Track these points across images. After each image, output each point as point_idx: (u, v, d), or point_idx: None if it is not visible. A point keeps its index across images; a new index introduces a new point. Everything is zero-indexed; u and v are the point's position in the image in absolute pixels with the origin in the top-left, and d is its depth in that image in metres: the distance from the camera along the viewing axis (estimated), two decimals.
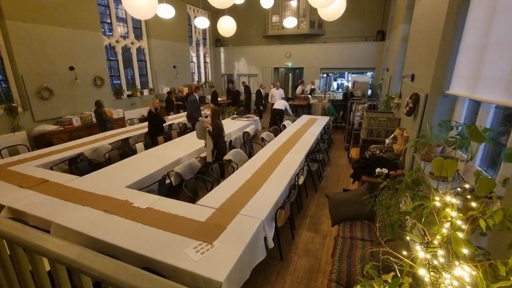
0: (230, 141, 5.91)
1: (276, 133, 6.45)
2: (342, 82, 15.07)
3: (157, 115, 5.91)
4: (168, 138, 5.97)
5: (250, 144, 6.30)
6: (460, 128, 1.42)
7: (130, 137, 5.89)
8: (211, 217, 2.66)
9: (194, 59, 13.07)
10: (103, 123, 6.46)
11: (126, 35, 9.17)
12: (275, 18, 12.70)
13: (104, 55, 8.05)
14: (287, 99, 9.85)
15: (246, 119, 7.63)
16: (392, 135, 4.44)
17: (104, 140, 5.52)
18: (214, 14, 13.10)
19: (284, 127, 6.96)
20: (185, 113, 7.40)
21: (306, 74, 12.82)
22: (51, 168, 4.18)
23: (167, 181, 3.99)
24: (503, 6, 2.06)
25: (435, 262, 1.02)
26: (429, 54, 3.30)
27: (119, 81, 9.07)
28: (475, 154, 1.49)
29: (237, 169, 4.01)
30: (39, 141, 6.17)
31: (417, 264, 1.01)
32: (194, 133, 5.26)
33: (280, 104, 8.38)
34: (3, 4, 5.63)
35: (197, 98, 6.94)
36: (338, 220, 3.21)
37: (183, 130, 7.06)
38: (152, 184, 3.68)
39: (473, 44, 2.52)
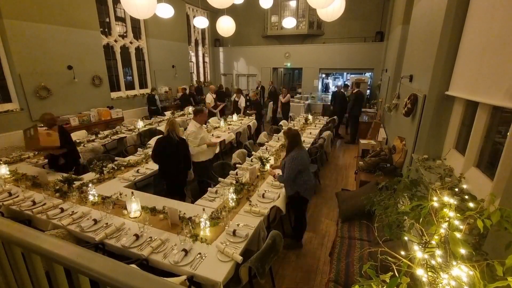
0: (239, 133, 6.46)
1: (276, 133, 6.45)
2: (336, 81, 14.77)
3: None
4: None
5: (253, 142, 6.33)
6: None
7: (125, 136, 5.87)
8: (210, 217, 2.66)
9: (193, 59, 13.05)
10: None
11: (125, 34, 9.15)
12: (274, 18, 12.70)
13: (102, 54, 8.02)
14: None
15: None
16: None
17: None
18: (213, 14, 13.09)
19: (281, 127, 6.95)
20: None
21: (304, 75, 12.84)
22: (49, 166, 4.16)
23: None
24: (502, 7, 2.07)
25: (433, 262, 1.02)
26: (427, 55, 3.31)
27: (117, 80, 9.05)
28: None
29: (236, 169, 4.00)
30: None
31: (415, 264, 1.01)
32: None
33: None
34: (0, 3, 5.60)
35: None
36: (346, 214, 3.25)
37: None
38: (148, 177, 3.76)
39: (472, 45, 2.53)
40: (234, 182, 3.37)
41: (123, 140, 5.78)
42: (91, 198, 2.98)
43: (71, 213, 2.72)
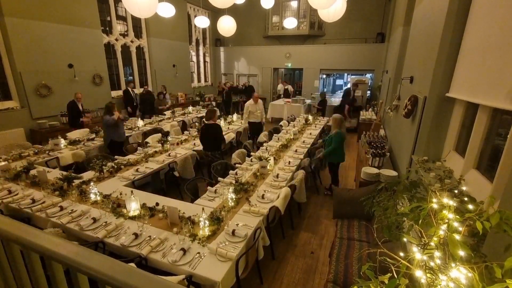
0: (240, 132, 6.56)
1: (276, 132, 6.44)
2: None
3: None
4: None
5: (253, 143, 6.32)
6: None
7: (130, 135, 5.88)
8: (210, 216, 2.66)
9: (194, 59, 13.05)
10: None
11: (126, 33, 9.15)
12: (275, 19, 12.69)
13: (103, 53, 8.02)
14: None
15: None
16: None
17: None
18: (214, 14, 13.09)
19: (281, 127, 6.94)
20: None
21: (305, 75, 12.84)
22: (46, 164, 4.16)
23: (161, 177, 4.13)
24: (503, 10, 2.07)
25: (432, 263, 1.02)
26: (428, 56, 3.31)
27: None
28: None
29: (236, 169, 4.00)
30: (35, 138, 6.14)
31: (414, 266, 1.01)
32: None
33: None
34: (2, 0, 5.60)
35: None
36: (339, 215, 3.28)
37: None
38: (146, 175, 3.80)
39: (473, 47, 2.53)
40: (233, 182, 3.37)
41: (127, 138, 5.78)
42: (92, 196, 2.98)
43: (70, 211, 2.73)
